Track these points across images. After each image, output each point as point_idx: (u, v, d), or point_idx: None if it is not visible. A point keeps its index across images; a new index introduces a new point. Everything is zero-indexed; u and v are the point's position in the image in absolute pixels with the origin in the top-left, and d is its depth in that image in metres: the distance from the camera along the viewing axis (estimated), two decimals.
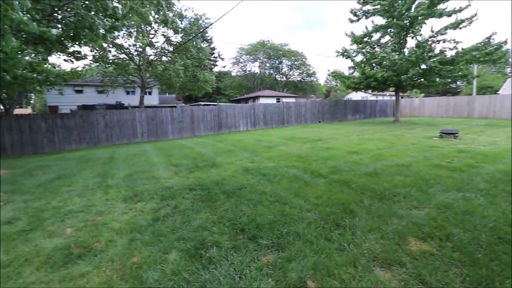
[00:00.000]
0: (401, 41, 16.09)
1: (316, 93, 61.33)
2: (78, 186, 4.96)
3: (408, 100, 25.10)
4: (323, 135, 10.99)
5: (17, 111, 24.80)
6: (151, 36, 20.85)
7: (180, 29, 22.00)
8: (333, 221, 3.03)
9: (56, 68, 9.81)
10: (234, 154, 7.42)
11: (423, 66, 15.23)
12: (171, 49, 22.87)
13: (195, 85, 26.54)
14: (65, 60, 9.29)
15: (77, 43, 6.96)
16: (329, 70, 17.48)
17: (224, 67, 60.66)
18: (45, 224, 3.33)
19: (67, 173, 6.09)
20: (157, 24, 19.65)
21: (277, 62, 55.53)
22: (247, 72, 54.80)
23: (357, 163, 5.83)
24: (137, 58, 21.64)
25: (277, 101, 34.68)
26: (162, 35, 22.08)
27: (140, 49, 21.26)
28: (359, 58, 16.77)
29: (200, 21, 25.90)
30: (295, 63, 55.31)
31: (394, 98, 19.18)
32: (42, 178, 5.70)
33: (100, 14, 6.74)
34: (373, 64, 16.68)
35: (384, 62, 15.08)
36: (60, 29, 6.68)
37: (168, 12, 12.47)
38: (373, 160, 6.14)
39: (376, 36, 17.13)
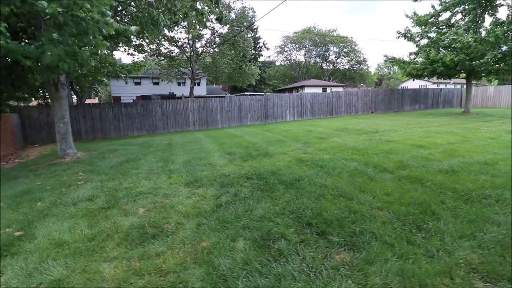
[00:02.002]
0: (478, 20, 13.78)
1: (366, 82, 57.19)
2: (144, 169, 5.35)
3: (480, 89, 21.76)
4: (380, 127, 10.12)
5: (87, 101, 28.16)
6: (200, 29, 21.46)
7: (228, 21, 22.26)
8: (413, 222, 2.68)
9: (120, 61, 10.70)
10: (285, 144, 7.25)
11: (504, 48, 12.86)
12: (218, 40, 23.37)
13: (240, 77, 26.87)
14: (128, 54, 10.05)
15: (140, 36, 7.42)
16: (385, 56, 15.89)
17: (269, 56, 60.19)
18: (120, 203, 3.63)
19: (133, 157, 6.64)
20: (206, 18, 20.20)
21: (323, 49, 52.95)
22: (292, 61, 53.42)
23: (427, 159, 5.19)
24: (188, 50, 22.60)
25: (323, 91, 33.28)
26: (210, 28, 22.58)
27: (190, 42, 22.15)
28: (423, 42, 14.87)
29: (247, 12, 25.88)
30: (344, 50, 52.04)
31: (461, 86, 16.78)
32: (113, 161, 6.31)
33: (162, 10, 7.06)
34: (440, 48, 14.68)
35: (455, 45, 13.12)
36: (127, 23, 7.19)
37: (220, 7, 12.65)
38: (445, 156, 5.40)
39: (444, 16, 14.96)
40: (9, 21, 5.71)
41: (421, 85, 35.28)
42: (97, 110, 12.24)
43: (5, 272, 2.25)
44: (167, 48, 22.00)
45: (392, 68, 69.28)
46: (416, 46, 14.86)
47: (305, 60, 53.86)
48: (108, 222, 3.07)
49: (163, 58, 22.67)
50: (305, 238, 2.49)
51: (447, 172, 4.30)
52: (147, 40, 8.56)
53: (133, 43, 8.04)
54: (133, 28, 4.82)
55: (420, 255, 2.15)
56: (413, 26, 15.38)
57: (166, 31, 21.22)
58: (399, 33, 14.69)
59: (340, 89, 33.95)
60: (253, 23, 26.25)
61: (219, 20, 8.04)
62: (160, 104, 13.23)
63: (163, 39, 20.60)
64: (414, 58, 15.92)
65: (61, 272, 2.19)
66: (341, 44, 50.71)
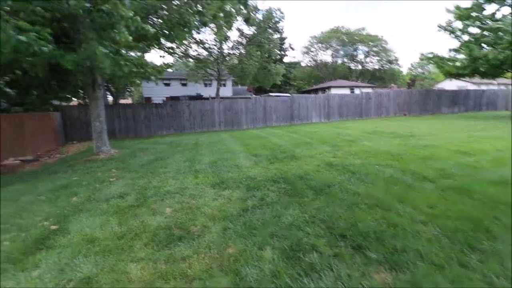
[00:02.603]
0: None
1: (397, 83, 54.29)
2: (172, 168, 5.43)
3: None
4: (415, 130, 9.45)
5: (121, 101, 29.77)
6: (225, 30, 21.68)
7: (255, 23, 22.31)
8: (464, 241, 2.37)
9: (151, 63, 11.10)
10: (312, 147, 7.00)
11: None
12: (244, 41, 23.50)
13: (265, 77, 26.80)
14: (160, 56, 10.38)
15: (170, 39, 7.61)
16: (421, 54, 14.82)
17: (294, 57, 59.45)
18: (148, 201, 3.67)
19: (162, 156, 6.80)
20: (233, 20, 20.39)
21: (352, 49, 51.16)
22: (318, 61, 52.26)
23: (473, 167, 4.68)
24: (215, 51, 22.97)
25: (350, 91, 32.13)
26: (237, 29, 22.75)
27: (217, 44, 22.50)
28: (465, 37, 13.68)
29: (273, 13, 25.72)
30: (373, 49, 49.87)
31: (505, 87, 15.13)
32: (143, 159, 6.50)
33: (191, 12, 7.17)
34: (482, 44, 13.39)
35: (503, 40, 11.86)
36: (158, 27, 7.41)
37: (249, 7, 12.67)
38: (495, 164, 4.84)
39: (490, 8, 13.66)
40: (52, 25, 6.11)
41: (460, 86, 32.69)
42: (130, 110, 12.82)
43: (40, 266, 2.33)
44: (195, 50, 22.58)
45: (426, 67, 65.26)
46: (459, 42, 13.69)
47: (332, 60, 52.45)
48: (137, 220, 3.10)
49: (191, 60, 23.27)
50: (339, 252, 2.29)
51: (498, 184, 3.82)
52: (177, 42, 8.75)
53: (165, 46, 8.27)
54: (151, 28, 4.88)
55: (477, 280, 1.87)
56: (454, 21, 14.22)
57: (194, 33, 21.80)
58: (440, 27, 13.62)
59: (369, 90, 32.55)
60: (278, 23, 25.95)
61: (247, 21, 7.99)
62: (188, 104, 13.53)
63: (191, 42, 21.16)
64: (454, 55, 14.71)
65: (90, 270, 2.22)
66: (370, 43, 48.67)
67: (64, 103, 14.12)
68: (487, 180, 3.98)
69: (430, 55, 14.75)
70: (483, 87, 28.61)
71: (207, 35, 21.92)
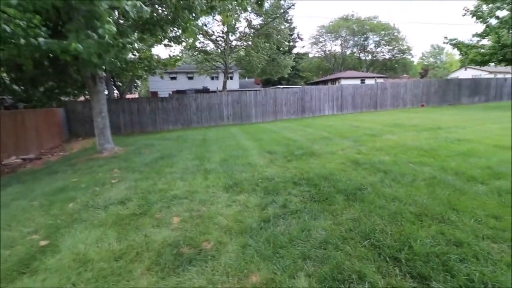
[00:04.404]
0: None
1: (410, 73, 52.45)
2: (179, 167, 4.95)
3: None
4: (441, 123, 8.71)
5: (129, 96, 29.52)
6: (233, 21, 20.89)
7: (263, 12, 21.44)
8: None
9: (158, 57, 10.60)
10: (332, 142, 6.42)
11: None
12: (251, 32, 22.67)
13: (274, 69, 25.99)
14: (165, 45, 9.83)
15: (176, 25, 7.05)
16: (446, 38, 13.73)
17: (303, 47, 58.04)
18: (153, 209, 3.19)
19: (168, 153, 6.34)
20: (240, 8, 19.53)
21: (362, 38, 49.45)
22: (327, 52, 50.80)
23: None
24: (222, 43, 22.29)
25: (361, 82, 31.03)
26: (245, 19, 21.95)
27: (223, 35, 21.78)
28: (492, 22, 12.64)
29: (282, 1, 24.70)
30: (385, 38, 48.08)
31: None
32: (148, 157, 6.05)
33: None
34: (510, 30, 12.34)
35: None
36: (161, 12, 6.85)
37: None
38: None
39: None
40: (49, 16, 5.63)
41: (474, 75, 31.16)
42: (135, 105, 12.42)
43: None
44: (201, 42, 21.93)
45: (439, 57, 62.80)
46: (487, 27, 12.64)
47: (342, 50, 50.93)
48: (139, 234, 2.63)
49: (197, 52, 22.66)
50: (396, 283, 1.76)
51: None
52: (183, 32, 8.17)
53: (168, 34, 7.72)
54: (147, 9, 4.30)
55: None
56: (478, 6, 13.14)
57: (201, 24, 21.12)
58: (466, 10, 12.59)
59: (380, 80, 31.37)
60: (288, 9, 24.91)
61: (259, 4, 7.33)
62: (195, 98, 13.04)
63: (198, 33, 20.51)
64: (478, 41, 13.67)
65: None
66: (382, 32, 46.91)
67: (71, 98, 13.85)
68: None
69: (454, 41, 13.72)
70: (499, 76, 27.11)
71: (214, 26, 21.22)
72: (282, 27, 25.84)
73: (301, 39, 46.89)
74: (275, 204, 3.12)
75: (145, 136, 10.62)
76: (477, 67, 22.50)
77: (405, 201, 2.96)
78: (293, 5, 25.20)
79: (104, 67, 5.44)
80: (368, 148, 5.55)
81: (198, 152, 6.21)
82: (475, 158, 4.48)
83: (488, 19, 12.41)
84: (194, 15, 6.11)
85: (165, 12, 6.84)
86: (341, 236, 2.35)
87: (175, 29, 7.63)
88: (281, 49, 26.28)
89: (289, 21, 38.79)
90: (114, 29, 3.80)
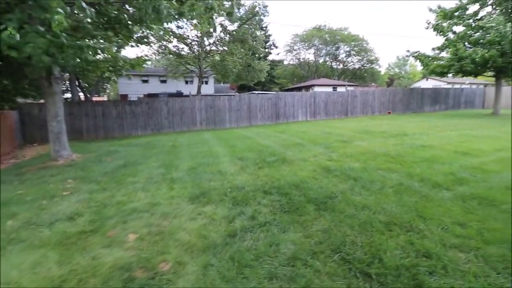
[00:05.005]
0: (510, 12, 12.59)
1: (377, 82, 55.56)
2: (143, 177, 4.58)
3: (505, 89, 20.33)
4: (406, 129, 9.13)
5: (96, 99, 27.82)
6: (208, 27, 20.59)
7: (237, 18, 21.44)
8: None
9: (124, 56, 10.01)
10: (304, 148, 6.39)
11: None
12: (227, 38, 22.58)
13: (249, 75, 26.05)
14: (131, 46, 9.34)
15: (144, 25, 6.68)
16: (408, 51, 14.72)
17: (278, 54, 59.14)
18: (106, 225, 2.84)
19: (133, 160, 5.89)
20: (216, 14, 19.35)
21: (334, 48, 51.57)
22: (301, 60, 52.24)
23: (481, 170, 4.25)
24: (196, 47, 21.89)
25: (333, 90, 32.18)
26: (220, 24, 21.79)
27: (198, 39, 21.43)
28: (450, 36, 13.73)
29: (257, 8, 24.98)
30: (354, 49, 50.58)
31: (479, 86, 15.57)
32: (109, 165, 5.57)
33: None
34: (466, 44, 13.50)
35: (487, 38, 11.93)
36: (129, 11, 6.47)
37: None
38: (502, 166, 4.46)
39: (473, 9, 13.77)
40: None
41: (435, 85, 33.76)
42: (100, 108, 11.61)
43: None
44: (175, 46, 21.37)
45: (403, 67, 67.34)
46: (446, 40, 13.67)
47: (315, 59, 52.63)
48: (86, 257, 2.29)
49: (171, 55, 22.03)
50: None
51: None
52: (150, 32, 7.79)
53: (135, 34, 7.30)
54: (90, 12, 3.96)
55: None
56: (438, 21, 14.23)
57: (173, 26, 20.53)
58: (428, 24, 13.53)
59: (351, 88, 32.81)
60: (263, 20, 25.34)
61: (230, 14, 7.20)
62: (166, 102, 12.52)
63: (171, 36, 19.97)
64: (438, 54, 14.76)
65: None
66: (352, 43, 49.29)
67: (31, 101, 12.65)
68: (503, 186, 3.54)
69: (416, 53, 14.68)
70: (456, 86, 29.63)
71: (190, 30, 20.73)
72: (258, 33, 26.10)
73: (276, 47, 47.73)
74: (243, 215, 2.92)
75: (110, 142, 9.92)
76: (437, 77, 24.28)
77: (375, 210, 2.92)
78: (265, 6, 25.60)
79: (58, 67, 4.92)
80: (339, 155, 5.59)
81: (166, 160, 5.84)
82: (438, 164, 4.66)
83: (447, 34, 13.48)
84: (159, 18, 5.81)
85: (131, 11, 6.46)
86: (310, 250, 2.22)
87: (142, 29, 7.24)
88: (257, 55, 26.47)
89: (265, 28, 39.40)
90: (65, 22, 3.41)
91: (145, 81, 29.94)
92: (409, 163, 4.78)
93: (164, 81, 30.06)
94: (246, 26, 22.51)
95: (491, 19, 11.98)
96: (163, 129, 12.49)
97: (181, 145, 7.89)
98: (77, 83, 17.52)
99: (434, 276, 1.85)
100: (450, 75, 14.90)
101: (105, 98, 46.99)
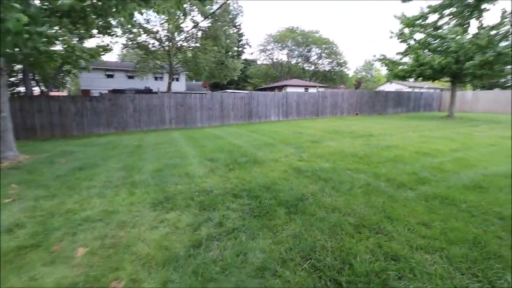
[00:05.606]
0: (465, 24, 13.78)
1: (346, 84, 58.08)
2: (100, 181, 4.16)
3: (459, 94, 22.30)
4: (372, 130, 9.53)
5: (55, 93, 25.47)
6: (180, 20, 19.88)
7: (209, 13, 20.94)
8: (483, 276, 1.85)
9: (82, 45, 9.13)
10: (276, 149, 6.33)
11: (490, 53, 12.87)
12: (199, 34, 21.99)
13: (222, 73, 25.64)
14: (91, 36, 8.58)
15: (108, 15, 6.12)
16: (374, 56, 15.47)
17: (252, 53, 59.21)
18: (51, 238, 2.49)
19: (90, 162, 5.37)
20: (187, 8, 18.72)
21: (306, 50, 52.89)
22: (274, 60, 52.81)
23: (440, 170, 4.50)
24: (167, 43, 21.01)
25: (305, 91, 32.94)
26: (191, 19, 21.14)
27: (169, 34, 20.58)
28: (412, 43, 14.66)
29: (231, 7, 24.66)
30: (325, 51, 52.33)
31: (436, 90, 17.03)
32: (63, 168, 5.01)
33: None
34: (426, 50, 14.55)
35: (444, 46, 12.92)
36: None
37: None
38: (459, 166, 4.76)
39: (432, 18, 14.85)
40: None
41: (397, 89, 36.10)
42: (56, 103, 10.56)
43: None
44: (145, 41, 20.29)
45: (369, 71, 71.22)
46: (409, 47, 14.57)
47: (288, 59, 53.49)
48: (22, 277, 1.95)
49: (139, 49, 20.88)
50: None
51: (474, 189, 3.60)
52: (114, 21, 7.19)
53: (95, 24, 6.66)
54: None
55: None
56: (401, 28, 15.13)
57: (141, 19, 19.49)
58: (392, 33, 14.33)
59: (322, 89, 33.83)
60: (236, 17, 25.10)
61: (202, 1, 6.87)
62: (132, 99, 11.75)
63: (140, 30, 18.94)
64: (401, 59, 15.71)
65: None
66: (323, 46, 50.89)
67: None
68: (461, 185, 3.75)
69: (382, 58, 15.47)
70: (416, 90, 31.92)
71: (158, 24, 19.71)
72: (231, 31, 25.78)
73: (250, 46, 47.82)
74: (210, 222, 2.74)
75: (67, 141, 9.06)
76: (400, 81, 25.95)
77: (344, 211, 2.91)
78: (240, 10, 25.39)
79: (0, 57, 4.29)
80: (310, 155, 5.60)
81: (128, 161, 5.41)
82: (401, 164, 4.86)
83: (409, 40, 14.39)
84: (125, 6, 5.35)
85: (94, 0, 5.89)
86: (280, 258, 2.10)
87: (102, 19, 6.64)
88: (230, 53, 26.13)
89: (238, 26, 39.13)
90: (25, 18, 2.93)
91: (110, 76, 28.11)
92: (375, 163, 4.92)
93: (131, 77, 28.45)
94: (219, 23, 22.08)
95: (450, 29, 12.98)
96: (128, 127, 11.73)
97: (146, 145, 7.42)
98: (31, 76, 15.85)
99: (403, 280, 1.84)
100: (411, 79, 15.88)
101: (65, 93, 43.41)
